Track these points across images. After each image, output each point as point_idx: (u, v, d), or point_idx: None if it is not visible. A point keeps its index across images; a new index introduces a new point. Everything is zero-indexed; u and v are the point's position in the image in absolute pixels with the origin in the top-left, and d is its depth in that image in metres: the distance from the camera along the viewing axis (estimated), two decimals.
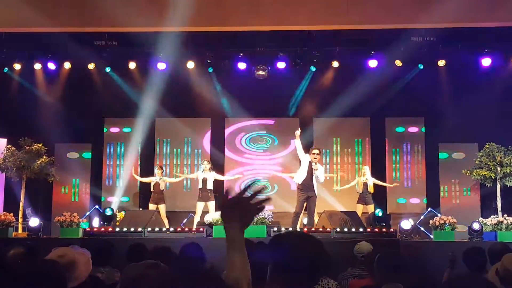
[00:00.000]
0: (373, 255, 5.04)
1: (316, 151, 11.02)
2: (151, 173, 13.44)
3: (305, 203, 11.03)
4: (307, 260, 2.44)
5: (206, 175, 12.43)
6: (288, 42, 13.55)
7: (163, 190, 13.04)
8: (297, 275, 2.42)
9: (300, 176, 11.02)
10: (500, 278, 3.88)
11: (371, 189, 12.91)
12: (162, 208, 12.86)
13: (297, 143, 11.02)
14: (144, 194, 14.30)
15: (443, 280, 5.97)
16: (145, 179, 13.39)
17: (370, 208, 12.60)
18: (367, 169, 13.22)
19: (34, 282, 2.68)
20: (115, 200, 14.73)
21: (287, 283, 2.43)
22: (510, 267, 3.85)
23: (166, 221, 12.48)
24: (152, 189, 13.06)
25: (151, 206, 12.82)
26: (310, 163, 10.92)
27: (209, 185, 12.37)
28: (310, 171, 10.91)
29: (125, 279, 2.60)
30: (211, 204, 12.22)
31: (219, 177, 12.71)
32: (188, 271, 2.12)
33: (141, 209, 13.99)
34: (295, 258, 2.44)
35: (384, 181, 13.98)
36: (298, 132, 11.03)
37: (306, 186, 10.93)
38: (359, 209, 12.70)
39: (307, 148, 11.27)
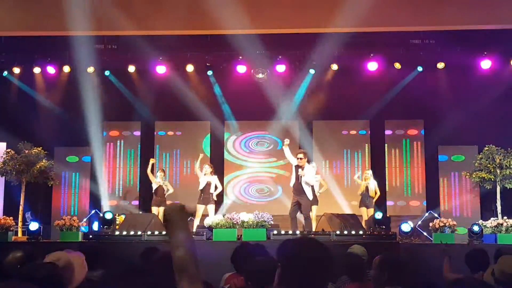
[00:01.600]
0: (369, 259, 5.05)
1: (300, 155, 10.94)
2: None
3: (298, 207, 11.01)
4: (317, 266, 2.45)
5: (208, 178, 12.40)
6: (287, 45, 13.56)
7: (165, 194, 13.00)
8: (306, 281, 2.42)
9: (292, 180, 11.03)
10: (495, 279, 3.90)
11: (372, 193, 12.76)
12: (162, 210, 12.84)
13: (285, 150, 10.98)
14: (144, 198, 14.31)
15: (444, 270, 6.01)
16: (151, 176, 13.19)
17: (370, 211, 12.55)
18: (370, 173, 13.08)
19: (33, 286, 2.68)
20: (115, 203, 14.72)
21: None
22: (507, 269, 3.87)
23: None
24: (155, 193, 12.98)
25: (154, 209, 12.76)
26: (297, 167, 10.88)
27: (211, 189, 12.35)
28: (298, 175, 10.89)
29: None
30: (211, 207, 12.21)
31: (219, 184, 12.62)
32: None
33: (140, 212, 13.98)
34: (305, 264, 2.43)
35: (384, 187, 14.12)
36: (287, 141, 10.99)
37: (296, 190, 10.92)
38: (364, 212, 12.63)
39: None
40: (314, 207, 12.11)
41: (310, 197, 10.89)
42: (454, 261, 6.20)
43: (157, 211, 12.68)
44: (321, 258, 2.46)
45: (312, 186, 11.29)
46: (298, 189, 10.85)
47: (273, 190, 15.02)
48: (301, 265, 2.43)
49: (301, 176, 10.77)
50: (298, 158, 10.85)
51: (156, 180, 12.95)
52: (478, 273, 5.39)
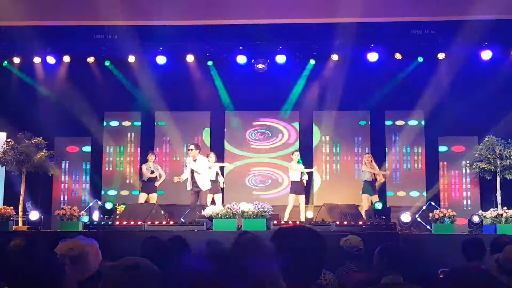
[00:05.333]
0: (369, 248, 5.07)
1: (191, 146, 11.95)
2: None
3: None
4: (311, 255, 2.45)
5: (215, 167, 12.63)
6: (287, 35, 13.51)
7: (157, 180, 13.08)
8: (300, 270, 2.43)
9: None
10: (500, 267, 3.91)
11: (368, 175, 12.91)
12: (155, 197, 12.91)
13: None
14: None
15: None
16: (146, 172, 13.21)
17: (375, 198, 12.57)
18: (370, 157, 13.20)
19: (33, 274, 2.69)
20: (115, 193, 14.74)
21: (290, 277, 2.43)
22: None
23: None
24: (152, 179, 13.00)
25: (143, 196, 12.83)
26: None
27: (219, 178, 12.64)
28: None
29: (105, 284, 2.44)
30: (218, 197, 12.39)
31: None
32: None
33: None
34: (299, 253, 2.44)
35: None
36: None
37: (194, 182, 11.79)
38: (365, 200, 12.66)
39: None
40: (301, 197, 12.39)
41: (204, 187, 11.71)
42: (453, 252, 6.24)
43: (146, 197, 12.75)
44: (313, 247, 2.47)
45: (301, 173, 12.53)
46: (195, 181, 11.73)
47: (274, 180, 15.03)
48: (293, 253, 2.44)
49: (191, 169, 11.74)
50: (188, 150, 11.94)
51: (150, 165, 12.98)
52: (474, 262, 5.44)
